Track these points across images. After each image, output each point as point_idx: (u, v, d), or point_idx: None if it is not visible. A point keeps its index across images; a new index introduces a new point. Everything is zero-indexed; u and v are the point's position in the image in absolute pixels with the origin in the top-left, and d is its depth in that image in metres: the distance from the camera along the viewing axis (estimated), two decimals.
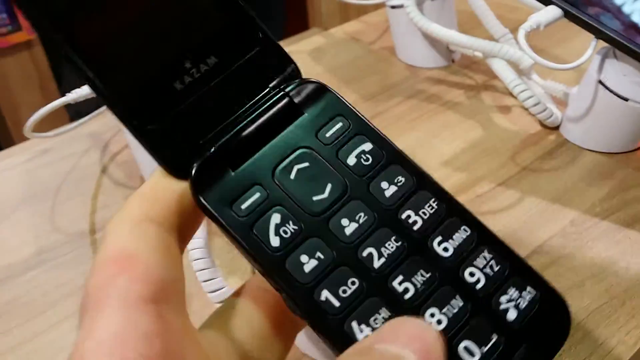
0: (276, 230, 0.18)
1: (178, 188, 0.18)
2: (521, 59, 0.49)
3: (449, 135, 0.50)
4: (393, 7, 0.58)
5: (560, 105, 0.50)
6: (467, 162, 0.47)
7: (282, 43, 0.20)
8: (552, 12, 0.42)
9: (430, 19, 0.55)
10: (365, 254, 0.18)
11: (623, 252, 0.38)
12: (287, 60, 0.20)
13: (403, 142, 0.47)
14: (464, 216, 0.19)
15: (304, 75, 0.20)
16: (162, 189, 0.18)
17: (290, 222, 0.18)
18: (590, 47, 0.42)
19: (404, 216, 0.18)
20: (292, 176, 0.19)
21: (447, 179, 0.45)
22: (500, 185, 0.44)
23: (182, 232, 0.18)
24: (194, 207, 0.18)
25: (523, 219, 0.41)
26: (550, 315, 0.17)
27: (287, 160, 0.19)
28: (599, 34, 0.41)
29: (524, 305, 0.17)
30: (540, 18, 0.42)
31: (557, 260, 0.38)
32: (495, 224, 0.41)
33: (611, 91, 0.43)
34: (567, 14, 0.42)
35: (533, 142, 0.48)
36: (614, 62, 0.43)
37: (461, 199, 0.19)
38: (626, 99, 0.43)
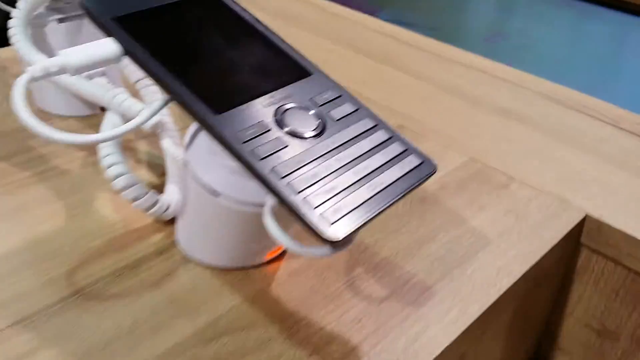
0: None
1: None
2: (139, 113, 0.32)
3: (17, 225, 0.32)
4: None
5: None
6: (5, 273, 0.29)
7: None
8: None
9: (56, 50, 0.38)
10: None
11: None
12: None
13: None
14: None
15: None
16: None
17: None
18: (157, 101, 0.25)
19: None
20: None
21: None
22: (16, 325, 0.26)
23: None
24: None
25: None
26: None
27: None
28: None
29: None
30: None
31: None
32: None
33: (196, 179, 0.27)
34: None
35: (124, 244, 0.31)
36: (202, 133, 0.27)
37: None
38: (217, 193, 0.26)
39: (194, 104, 0.23)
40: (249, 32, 0.28)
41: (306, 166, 0.23)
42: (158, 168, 0.37)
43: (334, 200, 0.22)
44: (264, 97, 0.25)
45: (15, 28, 0.37)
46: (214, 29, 0.28)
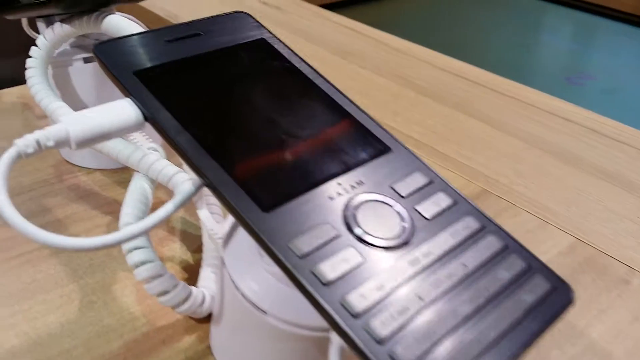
0: None
1: None
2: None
3: (19, 314, 0.26)
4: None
5: None
6: None
7: None
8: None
9: (81, 90, 0.32)
10: None
11: None
12: None
13: None
14: None
15: None
16: None
17: None
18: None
19: None
20: None
21: None
22: None
23: None
24: None
25: None
26: None
27: None
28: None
29: None
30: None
31: None
32: None
33: (236, 286, 0.20)
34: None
35: (146, 349, 0.24)
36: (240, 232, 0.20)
37: None
38: (261, 310, 0.20)
39: (234, 196, 0.17)
40: (306, 91, 0.22)
41: (391, 296, 0.16)
42: (193, 240, 0.30)
43: (436, 352, 0.15)
44: (328, 183, 0.18)
45: (34, 69, 0.32)
46: (262, 88, 0.21)
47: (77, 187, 0.34)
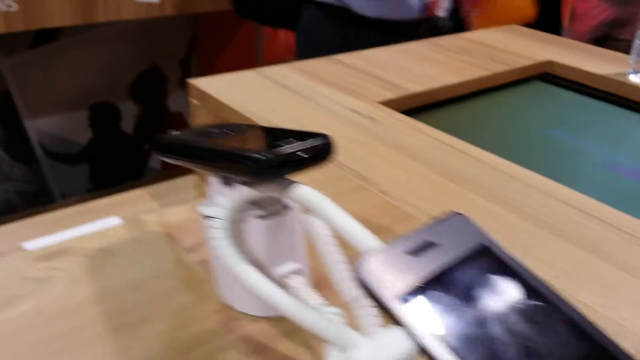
0: None
1: None
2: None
3: None
4: (207, 217, 0.37)
5: None
6: None
7: None
8: None
9: (255, 247, 0.34)
10: None
11: None
12: None
13: None
14: None
15: None
16: None
17: None
18: None
19: None
20: None
21: None
22: None
23: None
24: None
25: None
26: None
27: None
28: None
29: None
30: None
31: None
32: None
33: None
34: None
35: None
36: None
37: None
38: None
39: None
40: (544, 311, 0.23)
41: None
42: None
43: None
44: None
45: (220, 231, 0.33)
46: (504, 307, 0.23)
47: (246, 339, 0.35)
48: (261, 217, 0.35)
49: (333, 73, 0.80)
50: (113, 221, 0.66)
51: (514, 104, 0.81)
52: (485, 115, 0.78)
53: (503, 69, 0.83)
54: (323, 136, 0.34)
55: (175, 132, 0.40)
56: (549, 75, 0.88)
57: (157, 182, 0.74)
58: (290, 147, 0.32)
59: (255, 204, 0.36)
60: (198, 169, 0.38)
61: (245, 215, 0.35)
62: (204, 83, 0.73)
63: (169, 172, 0.71)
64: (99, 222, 0.65)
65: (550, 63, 0.88)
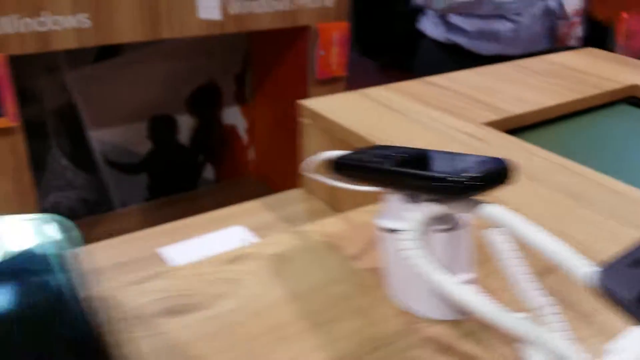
0: None
1: None
2: None
3: None
4: (382, 229, 0.41)
5: None
6: None
7: None
8: None
9: (439, 257, 0.38)
10: None
11: None
12: None
13: None
14: None
15: None
16: None
17: None
18: None
19: None
20: None
21: None
22: None
23: None
24: None
25: None
26: None
27: None
28: None
29: None
30: None
31: None
32: None
33: None
34: None
35: None
36: None
37: None
38: None
39: None
40: None
41: None
42: None
43: None
44: None
45: (412, 242, 0.38)
46: None
47: (430, 339, 0.39)
48: (444, 230, 0.40)
49: (431, 95, 0.84)
50: (238, 230, 0.71)
51: (604, 126, 0.85)
52: (580, 136, 0.81)
53: (594, 92, 0.86)
54: (499, 160, 0.38)
55: (351, 156, 0.44)
56: (635, 99, 0.91)
57: (213, 192, 0.79)
58: (477, 171, 0.37)
59: (438, 219, 0.40)
60: (380, 188, 0.42)
61: (430, 229, 0.39)
62: (314, 103, 0.78)
63: (223, 184, 0.75)
64: (226, 231, 0.70)
65: (637, 87, 0.91)
